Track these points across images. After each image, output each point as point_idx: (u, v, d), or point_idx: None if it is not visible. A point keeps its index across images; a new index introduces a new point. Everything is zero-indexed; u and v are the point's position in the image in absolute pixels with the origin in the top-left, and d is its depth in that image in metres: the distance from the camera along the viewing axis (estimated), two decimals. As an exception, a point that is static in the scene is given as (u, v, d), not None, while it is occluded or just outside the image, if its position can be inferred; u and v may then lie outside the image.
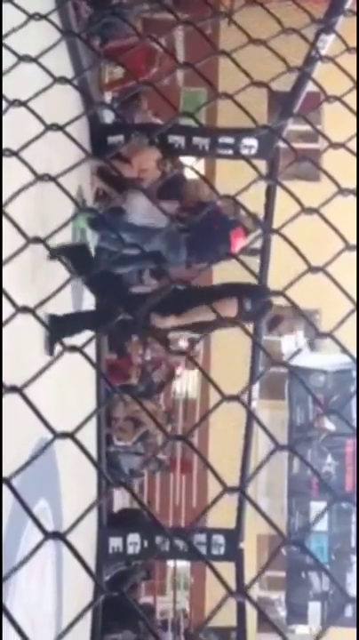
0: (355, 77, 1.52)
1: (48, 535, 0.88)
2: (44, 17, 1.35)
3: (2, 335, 1.03)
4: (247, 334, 1.27)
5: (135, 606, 7.77)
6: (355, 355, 1.28)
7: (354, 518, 10.67)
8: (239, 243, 6.23)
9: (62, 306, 5.23)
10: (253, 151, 6.24)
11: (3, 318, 1.04)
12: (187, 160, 6.96)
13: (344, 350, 1.19)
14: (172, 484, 12.16)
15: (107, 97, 8.34)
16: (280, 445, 0.98)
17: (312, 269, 1.09)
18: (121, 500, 10.57)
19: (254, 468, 7.84)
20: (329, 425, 10.81)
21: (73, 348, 1.13)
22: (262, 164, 6.49)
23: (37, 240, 1.09)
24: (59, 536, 0.88)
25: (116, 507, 9.68)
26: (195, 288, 4.82)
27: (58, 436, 0.99)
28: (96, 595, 1.04)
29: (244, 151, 6.14)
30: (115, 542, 6.92)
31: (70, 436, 0.98)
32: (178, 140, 6.45)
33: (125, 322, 1.15)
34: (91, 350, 6.67)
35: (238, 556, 6.81)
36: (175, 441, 1.04)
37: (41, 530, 0.88)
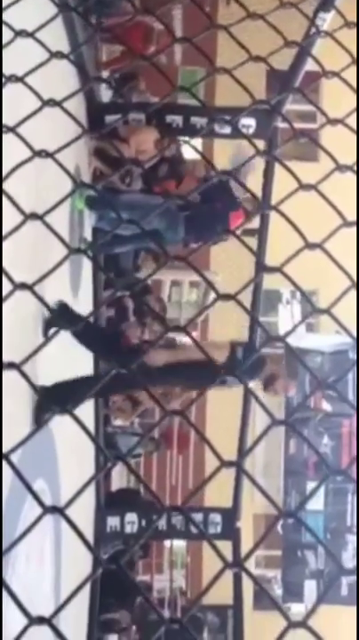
0: (355, 53, 1.51)
1: (47, 509, 0.89)
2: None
3: (2, 311, 1.03)
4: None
5: (132, 581, 7.83)
6: (354, 333, 1.29)
7: (350, 498, 10.75)
8: (238, 224, 6.22)
9: (60, 282, 5.22)
10: (251, 130, 6.21)
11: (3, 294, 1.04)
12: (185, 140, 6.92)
13: (341, 327, 1.19)
14: (169, 465, 12.23)
15: (105, 75, 8.29)
16: (277, 420, 0.99)
17: (309, 245, 1.09)
18: (119, 480, 10.63)
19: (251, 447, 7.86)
20: (325, 406, 10.85)
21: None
22: (260, 145, 6.44)
23: (35, 216, 1.08)
24: (57, 510, 0.89)
25: (114, 487, 9.75)
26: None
27: (56, 411, 0.99)
28: (94, 568, 1.05)
29: (242, 131, 6.10)
30: (112, 521, 6.96)
31: (68, 411, 0.99)
32: (176, 119, 6.42)
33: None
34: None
35: (235, 534, 6.84)
36: (173, 416, 1.04)
37: (40, 504, 0.89)
